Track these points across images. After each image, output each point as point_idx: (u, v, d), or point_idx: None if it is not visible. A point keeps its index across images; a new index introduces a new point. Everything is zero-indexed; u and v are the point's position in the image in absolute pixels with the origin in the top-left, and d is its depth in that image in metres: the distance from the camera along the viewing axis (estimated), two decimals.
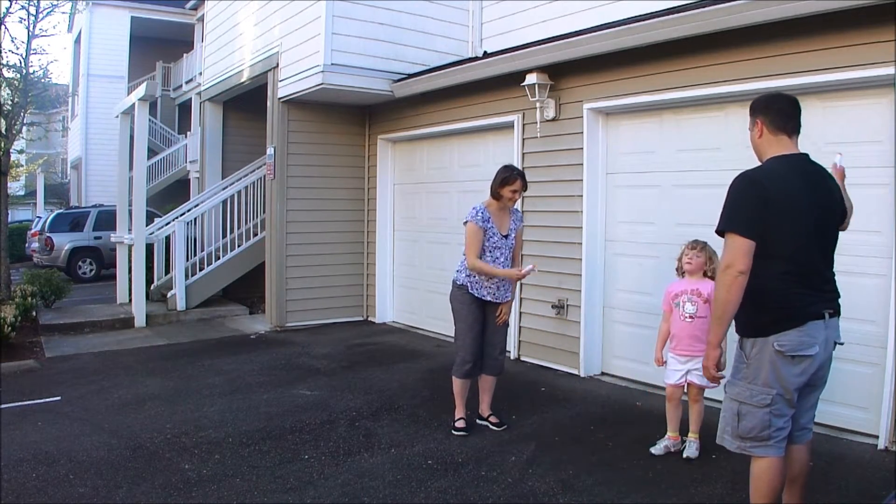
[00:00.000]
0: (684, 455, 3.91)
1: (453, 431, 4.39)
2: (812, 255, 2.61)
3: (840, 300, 2.70)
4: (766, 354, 2.56)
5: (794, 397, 2.60)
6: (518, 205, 4.76)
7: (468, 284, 4.34)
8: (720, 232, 2.62)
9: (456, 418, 4.44)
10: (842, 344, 2.72)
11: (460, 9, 7.93)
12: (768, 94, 2.86)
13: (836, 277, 2.71)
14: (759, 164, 2.76)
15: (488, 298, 4.36)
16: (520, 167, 6.01)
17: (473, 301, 4.35)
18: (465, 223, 4.32)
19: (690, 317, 3.86)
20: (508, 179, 4.27)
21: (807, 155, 2.71)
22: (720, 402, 4.93)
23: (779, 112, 2.70)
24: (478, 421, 4.57)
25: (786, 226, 2.54)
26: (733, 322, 2.69)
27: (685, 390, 4.00)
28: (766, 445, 2.61)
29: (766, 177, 2.59)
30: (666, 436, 4.05)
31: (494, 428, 4.47)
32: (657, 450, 4.00)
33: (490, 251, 4.28)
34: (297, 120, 8.03)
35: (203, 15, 11.89)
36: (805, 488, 2.85)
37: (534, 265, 4.28)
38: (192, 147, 13.91)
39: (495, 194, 4.33)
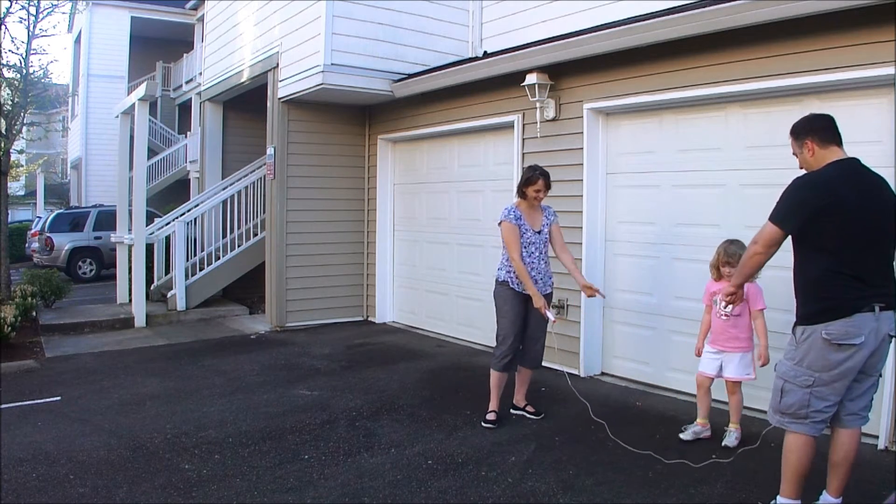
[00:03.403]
0: (723, 443, 4.04)
1: (482, 423, 4.50)
2: (862, 251, 2.80)
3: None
4: (815, 341, 2.81)
5: (840, 383, 2.82)
6: None
7: (510, 280, 4.49)
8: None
9: (488, 410, 4.56)
10: (894, 336, 2.88)
11: (460, 9, 7.93)
12: (805, 117, 3.09)
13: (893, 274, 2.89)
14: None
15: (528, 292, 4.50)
16: (520, 167, 6.02)
17: (515, 296, 4.49)
18: (500, 223, 4.49)
19: (727, 315, 4.01)
20: (531, 179, 4.46)
21: (858, 160, 2.93)
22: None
23: (823, 129, 2.97)
24: (513, 411, 4.73)
25: (834, 222, 2.77)
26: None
27: (712, 381, 4.18)
28: (802, 423, 2.88)
29: (817, 178, 2.87)
30: (695, 422, 4.22)
31: (533, 417, 4.66)
32: (686, 436, 4.16)
33: (525, 247, 4.45)
34: (297, 120, 8.03)
35: (203, 15, 11.89)
36: (848, 475, 3.01)
37: (555, 320, 4.43)
38: (192, 147, 13.94)
39: (521, 193, 4.53)
